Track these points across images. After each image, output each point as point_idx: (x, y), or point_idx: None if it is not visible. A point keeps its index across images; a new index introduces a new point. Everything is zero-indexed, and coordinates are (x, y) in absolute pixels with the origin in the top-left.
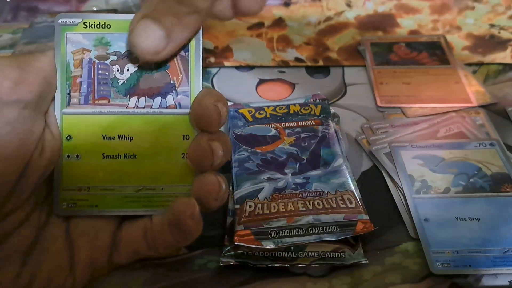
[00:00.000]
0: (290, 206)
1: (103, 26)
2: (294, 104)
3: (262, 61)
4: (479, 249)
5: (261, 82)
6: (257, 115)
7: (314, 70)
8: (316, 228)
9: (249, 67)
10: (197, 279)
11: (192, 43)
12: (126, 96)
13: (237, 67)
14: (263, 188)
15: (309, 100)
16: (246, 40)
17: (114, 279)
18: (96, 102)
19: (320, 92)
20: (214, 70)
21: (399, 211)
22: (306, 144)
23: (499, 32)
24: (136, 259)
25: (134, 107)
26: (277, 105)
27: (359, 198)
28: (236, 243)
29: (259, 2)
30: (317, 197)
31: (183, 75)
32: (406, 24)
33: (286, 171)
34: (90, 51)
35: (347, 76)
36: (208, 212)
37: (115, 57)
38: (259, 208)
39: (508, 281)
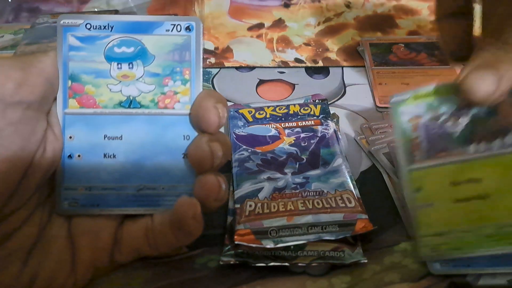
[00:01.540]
0: (290, 206)
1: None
2: (294, 105)
3: (262, 61)
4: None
5: (261, 82)
6: (257, 115)
7: (314, 71)
8: (315, 228)
9: (249, 68)
10: (197, 278)
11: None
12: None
13: (237, 68)
14: (263, 187)
15: (308, 101)
16: (246, 41)
17: (115, 278)
18: (437, 155)
19: (320, 92)
20: (214, 71)
21: (398, 210)
22: (306, 144)
23: None
24: (137, 258)
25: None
26: (277, 105)
27: (358, 198)
28: (236, 242)
29: None
30: (316, 197)
31: None
32: (405, 25)
33: (286, 170)
34: (422, 116)
35: (346, 77)
36: (208, 212)
37: (445, 117)
38: (259, 207)
39: (507, 280)
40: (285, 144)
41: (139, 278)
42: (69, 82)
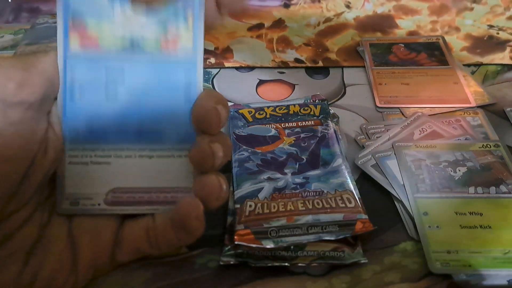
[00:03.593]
0: (290, 206)
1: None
2: (294, 105)
3: (262, 62)
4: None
5: (261, 82)
6: (257, 115)
7: (314, 71)
8: (315, 228)
9: (249, 68)
10: (197, 278)
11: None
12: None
13: (237, 68)
14: (263, 187)
15: (308, 101)
16: (246, 41)
17: (115, 278)
18: (441, 190)
19: (320, 92)
20: (214, 71)
21: (398, 210)
22: (306, 144)
23: (497, 33)
24: (138, 257)
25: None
26: (277, 106)
27: (358, 198)
28: (236, 243)
29: None
30: (316, 197)
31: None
32: (405, 25)
33: (286, 171)
34: (425, 160)
35: (346, 77)
36: (208, 211)
37: (445, 163)
38: (259, 207)
39: (507, 281)
40: (285, 144)
41: (139, 278)
42: (70, 21)
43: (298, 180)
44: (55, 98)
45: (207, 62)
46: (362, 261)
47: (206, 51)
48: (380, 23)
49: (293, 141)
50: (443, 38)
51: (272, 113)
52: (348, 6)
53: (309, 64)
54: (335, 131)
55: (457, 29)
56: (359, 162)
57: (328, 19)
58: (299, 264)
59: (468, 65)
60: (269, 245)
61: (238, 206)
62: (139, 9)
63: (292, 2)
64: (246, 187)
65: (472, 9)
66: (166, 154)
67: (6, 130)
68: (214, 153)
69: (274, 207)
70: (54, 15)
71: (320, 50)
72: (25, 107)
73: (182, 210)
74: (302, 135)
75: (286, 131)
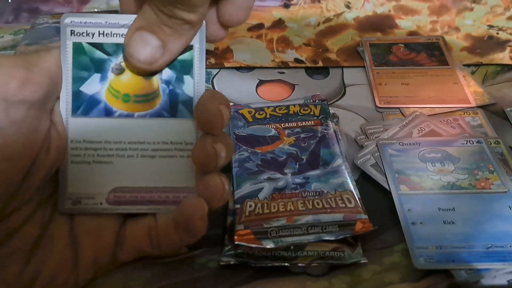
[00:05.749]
0: (290, 206)
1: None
2: (294, 105)
3: (262, 62)
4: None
5: (261, 83)
6: (257, 115)
7: (314, 71)
8: (315, 228)
9: (249, 68)
10: (197, 278)
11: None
12: None
13: (237, 68)
14: (263, 188)
15: (308, 101)
16: (246, 41)
17: (115, 278)
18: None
19: (320, 92)
20: (214, 71)
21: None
22: (306, 144)
23: (497, 33)
24: (139, 257)
25: None
26: (277, 106)
27: (358, 198)
28: (236, 243)
29: (243, 11)
30: (316, 197)
31: None
32: (405, 25)
33: (286, 171)
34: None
35: (346, 77)
36: (210, 212)
37: None
38: (259, 207)
39: (507, 281)
40: (285, 144)
41: (139, 278)
42: (396, 175)
43: (298, 180)
44: (58, 97)
45: (207, 62)
46: (362, 261)
47: (206, 51)
48: (380, 23)
49: (293, 141)
50: (443, 38)
51: (272, 113)
52: (348, 6)
53: (309, 64)
54: (335, 131)
55: (457, 29)
56: (358, 162)
57: (328, 19)
58: (299, 264)
59: (468, 65)
60: (269, 245)
61: (238, 206)
62: None
63: (292, 2)
64: (246, 187)
65: (472, 9)
66: (169, 154)
67: (8, 128)
68: (217, 154)
69: (274, 207)
70: (54, 15)
71: (320, 50)
72: (27, 106)
73: (186, 210)
74: (302, 135)
75: (286, 131)
